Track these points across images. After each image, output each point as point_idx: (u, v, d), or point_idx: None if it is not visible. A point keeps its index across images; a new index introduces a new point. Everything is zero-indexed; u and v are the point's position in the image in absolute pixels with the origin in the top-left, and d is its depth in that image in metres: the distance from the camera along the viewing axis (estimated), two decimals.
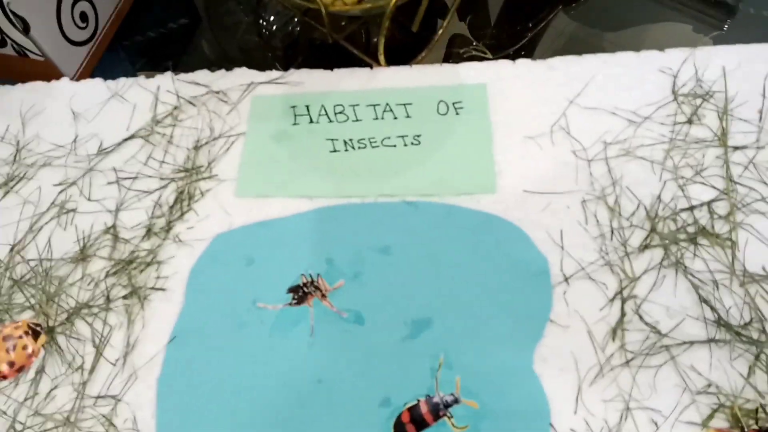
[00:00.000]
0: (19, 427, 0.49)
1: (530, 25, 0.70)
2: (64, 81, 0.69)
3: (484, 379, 0.49)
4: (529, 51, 0.68)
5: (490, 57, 0.66)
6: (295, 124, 0.63)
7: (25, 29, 0.60)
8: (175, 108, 0.65)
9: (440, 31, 0.70)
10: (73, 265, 0.57)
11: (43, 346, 0.53)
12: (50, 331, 0.53)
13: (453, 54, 0.69)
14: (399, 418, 0.48)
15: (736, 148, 0.57)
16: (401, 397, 0.49)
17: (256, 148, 0.62)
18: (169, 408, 0.50)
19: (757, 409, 0.45)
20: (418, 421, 0.47)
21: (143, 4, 0.77)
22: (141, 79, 0.68)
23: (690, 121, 0.58)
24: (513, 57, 0.66)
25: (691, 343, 0.48)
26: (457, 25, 0.72)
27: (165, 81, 0.67)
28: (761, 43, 0.62)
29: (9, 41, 0.65)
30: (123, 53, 0.72)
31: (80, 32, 0.69)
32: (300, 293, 0.53)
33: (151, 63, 0.72)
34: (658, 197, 0.55)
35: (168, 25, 0.73)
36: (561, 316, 0.51)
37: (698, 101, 0.59)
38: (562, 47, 0.68)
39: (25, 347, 0.52)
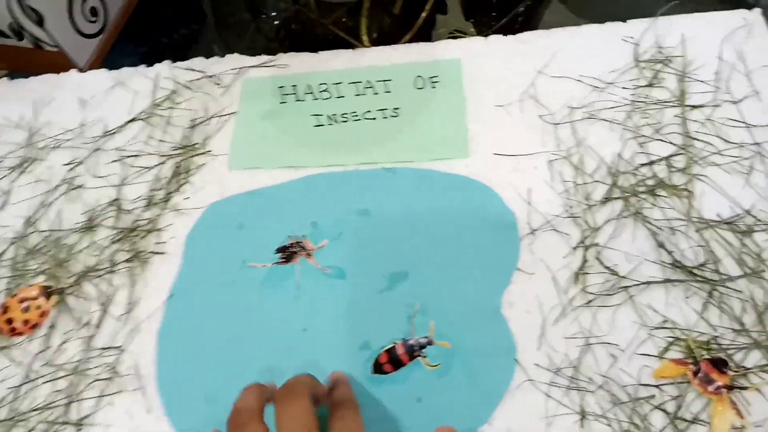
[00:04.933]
0: (33, 375, 0.54)
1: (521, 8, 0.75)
2: (73, 72, 0.74)
3: (457, 323, 0.53)
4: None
5: (473, 34, 0.70)
6: (282, 102, 0.68)
7: (39, 21, 0.66)
8: (173, 92, 0.70)
9: (423, 14, 0.74)
10: (81, 234, 0.62)
11: (54, 305, 0.58)
12: (61, 292, 0.58)
13: (440, 36, 0.74)
14: (377, 359, 0.51)
15: (693, 107, 0.60)
16: (379, 341, 0.53)
17: (246, 125, 0.67)
18: (168, 356, 0.54)
19: (708, 341, 0.48)
20: (395, 361, 0.51)
21: (151, 3, 0.83)
22: (142, 68, 0.73)
23: (650, 85, 0.62)
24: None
25: (648, 283, 0.52)
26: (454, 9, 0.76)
27: (164, 69, 0.73)
28: (716, 11, 0.66)
29: (26, 35, 0.72)
30: (130, 45, 0.79)
31: (91, 25, 0.75)
32: (288, 252, 0.58)
33: (154, 54, 0.77)
34: (619, 155, 0.58)
35: (179, 31, 0.80)
36: (527, 264, 0.54)
37: (658, 66, 0.63)
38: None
39: (38, 307, 0.57)
